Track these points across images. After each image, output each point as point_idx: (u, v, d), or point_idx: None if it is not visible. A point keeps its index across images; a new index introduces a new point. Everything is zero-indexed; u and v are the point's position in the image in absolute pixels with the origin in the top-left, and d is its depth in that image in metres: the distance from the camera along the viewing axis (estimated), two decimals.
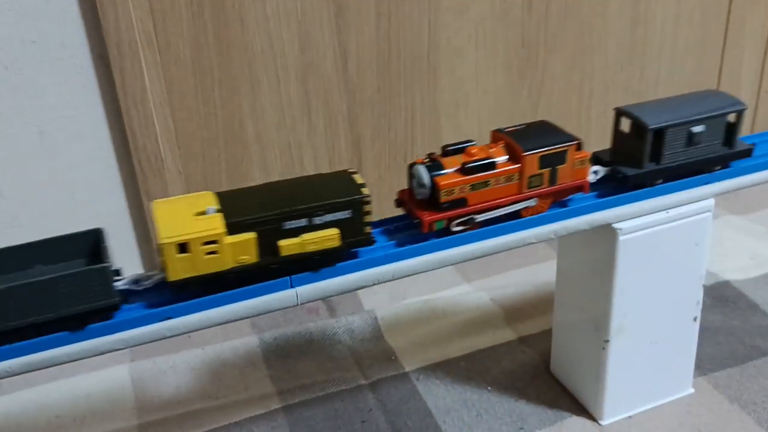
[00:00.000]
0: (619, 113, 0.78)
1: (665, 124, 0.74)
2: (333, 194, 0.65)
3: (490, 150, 0.71)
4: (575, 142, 0.72)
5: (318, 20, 1.07)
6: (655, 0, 1.27)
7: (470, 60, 1.19)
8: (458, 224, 0.70)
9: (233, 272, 0.63)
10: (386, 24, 1.12)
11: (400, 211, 0.74)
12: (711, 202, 0.80)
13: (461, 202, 0.69)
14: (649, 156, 0.76)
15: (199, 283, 0.63)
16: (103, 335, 0.63)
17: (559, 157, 0.71)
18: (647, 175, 0.77)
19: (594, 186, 0.76)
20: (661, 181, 0.78)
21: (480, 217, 0.70)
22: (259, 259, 0.64)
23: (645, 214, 0.77)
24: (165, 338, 0.65)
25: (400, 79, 1.16)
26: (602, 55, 1.27)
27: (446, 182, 0.68)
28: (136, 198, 1.09)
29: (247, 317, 0.67)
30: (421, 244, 0.70)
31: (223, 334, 1.04)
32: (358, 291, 1.14)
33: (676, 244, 0.80)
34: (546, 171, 0.71)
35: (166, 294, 0.65)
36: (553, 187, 0.73)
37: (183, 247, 0.61)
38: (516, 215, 0.72)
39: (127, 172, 1.07)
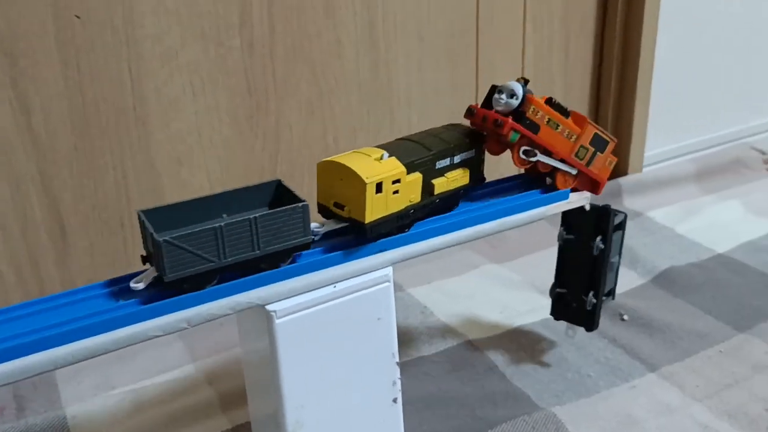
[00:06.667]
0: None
1: None
2: (461, 137, 0.73)
3: None
4: (615, 141, 0.81)
5: None
6: (394, 43, 1.19)
7: (188, 111, 1.06)
8: (524, 152, 0.75)
9: (407, 211, 0.69)
10: (75, 74, 0.97)
11: None
12: (388, 271, 0.70)
13: (536, 127, 0.74)
14: None
15: (386, 223, 0.67)
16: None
17: (603, 144, 0.80)
18: None
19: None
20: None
21: (539, 158, 0.76)
22: (420, 199, 0.70)
23: (306, 291, 0.66)
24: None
25: (103, 135, 1.01)
26: (343, 98, 1.18)
27: (537, 100, 0.74)
28: None
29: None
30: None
31: None
32: (58, 383, 0.98)
33: (351, 322, 0.69)
34: (591, 150, 0.79)
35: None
36: (588, 168, 0.80)
37: (379, 187, 0.64)
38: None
39: None
